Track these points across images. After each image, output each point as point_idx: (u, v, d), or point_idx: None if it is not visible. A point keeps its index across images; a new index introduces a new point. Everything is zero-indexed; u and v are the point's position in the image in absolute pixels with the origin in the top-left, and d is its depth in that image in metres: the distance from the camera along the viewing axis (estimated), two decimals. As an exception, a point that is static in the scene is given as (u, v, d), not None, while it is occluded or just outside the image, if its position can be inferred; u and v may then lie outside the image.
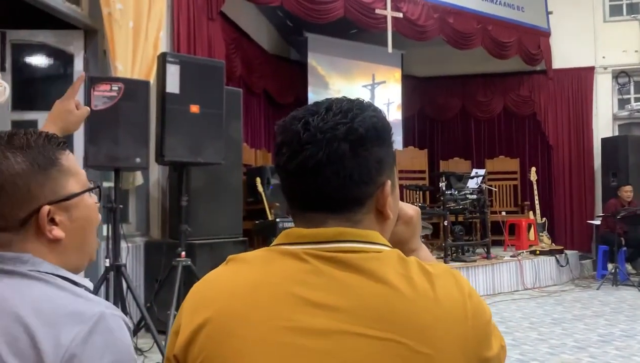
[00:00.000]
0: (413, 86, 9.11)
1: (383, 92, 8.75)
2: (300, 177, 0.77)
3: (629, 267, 7.20)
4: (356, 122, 0.77)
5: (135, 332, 3.49)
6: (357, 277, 0.72)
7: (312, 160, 0.75)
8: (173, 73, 3.56)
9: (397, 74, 8.86)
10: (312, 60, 8.01)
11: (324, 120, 0.77)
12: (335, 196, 0.77)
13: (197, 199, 4.11)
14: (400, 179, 8.17)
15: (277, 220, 4.39)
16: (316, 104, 0.81)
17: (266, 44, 7.71)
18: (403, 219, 0.92)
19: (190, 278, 3.60)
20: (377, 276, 0.72)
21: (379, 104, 8.85)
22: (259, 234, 5.07)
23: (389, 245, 0.79)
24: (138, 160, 3.46)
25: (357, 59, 8.50)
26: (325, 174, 0.76)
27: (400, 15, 6.59)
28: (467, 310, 0.73)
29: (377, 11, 6.45)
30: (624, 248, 6.85)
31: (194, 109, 3.60)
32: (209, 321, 0.73)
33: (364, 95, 8.57)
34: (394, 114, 8.84)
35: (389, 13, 6.50)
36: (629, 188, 7.11)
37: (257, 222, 4.77)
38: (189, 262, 3.61)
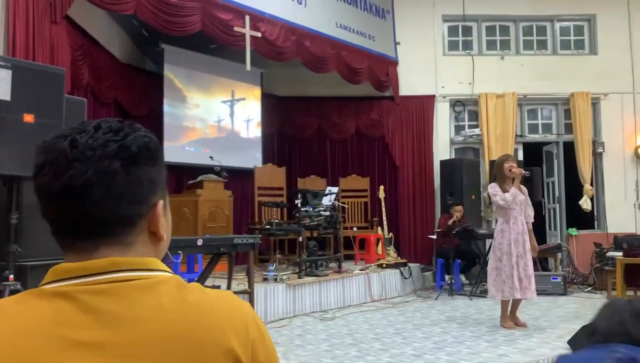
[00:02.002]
0: (272, 105, 9.27)
1: (243, 108, 8.78)
2: (65, 198, 0.72)
3: (463, 277, 7.95)
4: (128, 141, 0.75)
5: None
6: (130, 307, 0.70)
7: (79, 179, 0.71)
8: (4, 78, 3.25)
9: (257, 91, 8.95)
10: (169, 73, 7.80)
11: (93, 137, 0.74)
12: (105, 217, 0.73)
13: (31, 217, 3.74)
14: (259, 195, 8.28)
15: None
16: (83, 122, 0.77)
17: (118, 52, 7.34)
18: None
19: (19, 303, 3.29)
20: (152, 304, 0.71)
21: (238, 120, 8.97)
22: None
23: (169, 270, 0.78)
24: (-44, 173, 3.09)
25: (216, 74, 8.43)
26: (94, 193, 0.71)
27: (259, 34, 6.69)
28: (250, 327, 0.76)
29: (236, 29, 6.48)
30: (458, 261, 7.56)
31: (28, 118, 3.32)
32: None
33: (224, 111, 8.55)
34: (253, 131, 8.90)
35: (247, 32, 6.56)
36: (459, 208, 7.90)
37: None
38: (19, 286, 3.30)
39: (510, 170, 5.13)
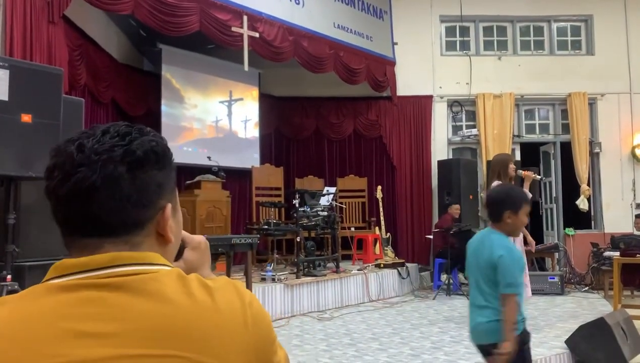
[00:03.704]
0: (270, 105, 9.27)
1: (240, 109, 8.78)
2: (72, 201, 0.74)
3: (461, 276, 7.96)
4: (134, 145, 0.76)
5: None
6: (133, 299, 0.71)
7: (85, 183, 0.73)
8: (1, 78, 3.25)
9: (255, 92, 8.95)
10: (167, 73, 7.80)
11: (100, 142, 0.75)
12: (110, 220, 0.75)
13: (29, 217, 3.75)
14: (256, 195, 8.27)
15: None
16: (93, 126, 0.79)
17: (116, 52, 7.34)
18: (191, 245, 0.94)
19: (17, 304, 3.28)
20: (154, 296, 0.72)
21: (236, 120, 8.96)
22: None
23: (170, 264, 0.79)
24: (-46, 173, 3.09)
25: (214, 75, 8.43)
26: (99, 197, 0.73)
27: (257, 35, 6.69)
28: (248, 317, 0.76)
29: (234, 29, 6.48)
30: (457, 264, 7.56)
31: (26, 118, 3.32)
32: None
33: (221, 111, 8.55)
34: (251, 131, 8.90)
35: (245, 32, 6.56)
36: (457, 206, 7.94)
37: (99, 240, 4.48)
38: (16, 286, 3.29)
39: (524, 173, 5.09)
